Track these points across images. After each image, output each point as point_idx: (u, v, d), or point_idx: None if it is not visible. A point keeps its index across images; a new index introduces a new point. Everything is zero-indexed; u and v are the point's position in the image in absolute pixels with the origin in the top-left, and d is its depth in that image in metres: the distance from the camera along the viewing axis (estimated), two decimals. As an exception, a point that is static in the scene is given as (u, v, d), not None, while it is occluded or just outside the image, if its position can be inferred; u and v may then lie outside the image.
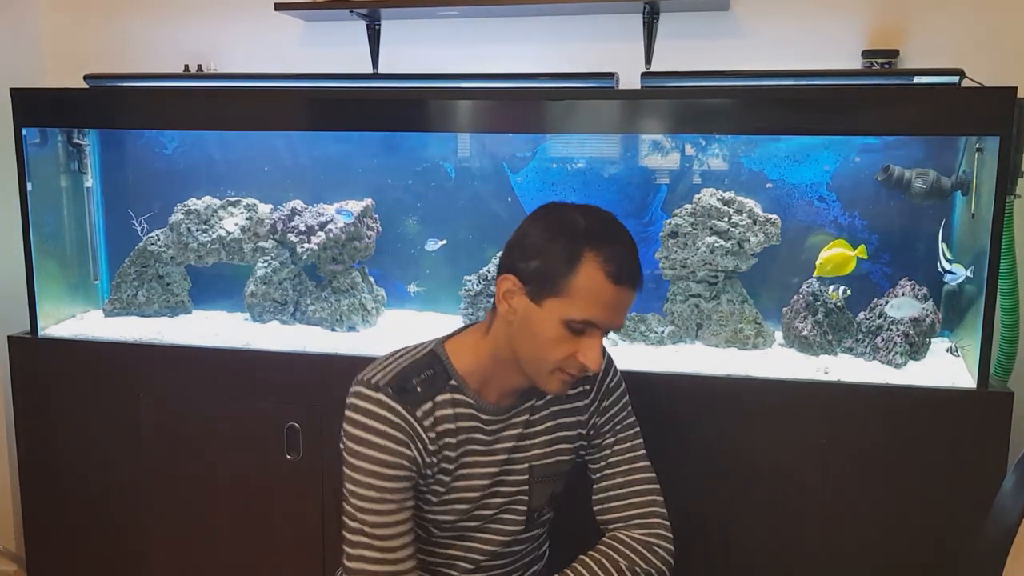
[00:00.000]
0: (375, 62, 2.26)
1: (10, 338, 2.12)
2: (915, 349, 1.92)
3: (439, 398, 1.33)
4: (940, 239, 1.90)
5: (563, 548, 1.49)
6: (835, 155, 2.05)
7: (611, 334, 2.06)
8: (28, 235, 2.11)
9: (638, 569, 1.36)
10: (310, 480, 1.97)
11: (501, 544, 1.44)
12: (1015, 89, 1.66)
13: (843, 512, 1.78)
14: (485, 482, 1.38)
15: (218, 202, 2.29)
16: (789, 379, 1.82)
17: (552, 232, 1.27)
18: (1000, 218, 1.69)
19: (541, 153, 2.19)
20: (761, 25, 2.11)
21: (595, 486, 1.46)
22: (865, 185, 2.03)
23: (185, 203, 2.28)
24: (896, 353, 1.89)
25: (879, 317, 1.97)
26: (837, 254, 1.93)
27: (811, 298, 1.99)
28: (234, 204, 2.30)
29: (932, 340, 1.97)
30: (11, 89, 2.06)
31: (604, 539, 1.41)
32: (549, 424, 1.43)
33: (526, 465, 1.41)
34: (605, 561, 1.36)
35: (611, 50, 2.15)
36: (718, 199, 2.04)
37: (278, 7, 2.16)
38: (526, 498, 1.42)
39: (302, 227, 2.19)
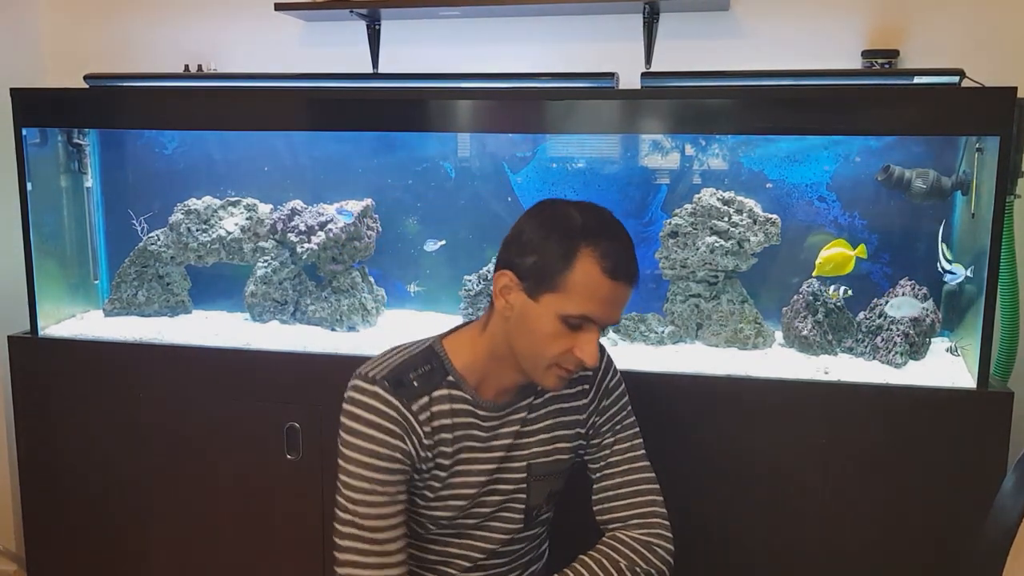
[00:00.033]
0: (375, 62, 2.26)
1: (10, 338, 2.12)
2: (915, 349, 1.92)
3: (436, 393, 1.34)
4: (940, 239, 1.90)
5: (563, 548, 1.49)
6: (835, 155, 2.05)
7: (611, 334, 2.08)
8: (28, 235, 2.11)
9: (638, 569, 1.36)
10: (310, 480, 1.97)
11: (499, 543, 1.44)
12: (1015, 89, 1.66)
13: (843, 512, 1.78)
14: (482, 479, 1.38)
15: (218, 202, 2.29)
16: (789, 379, 1.82)
17: (549, 228, 1.27)
18: (1000, 218, 1.69)
19: (541, 153, 2.19)
20: (761, 25, 2.11)
21: (595, 486, 1.46)
22: (865, 185, 2.03)
23: (185, 203, 2.28)
24: (896, 353, 1.89)
25: (879, 317, 1.97)
26: (837, 254, 1.93)
27: (811, 298, 1.99)
28: (234, 204, 2.30)
29: (932, 340, 1.97)
30: (11, 89, 2.06)
31: (604, 539, 1.41)
32: (547, 423, 1.43)
33: (524, 463, 1.41)
34: (605, 561, 1.36)
35: (611, 50, 2.15)
36: (718, 199, 2.04)
37: (278, 7, 2.16)
38: (524, 496, 1.42)
39: (302, 227, 2.19)
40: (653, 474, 1.46)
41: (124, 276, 2.29)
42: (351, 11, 2.14)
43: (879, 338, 1.94)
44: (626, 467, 1.44)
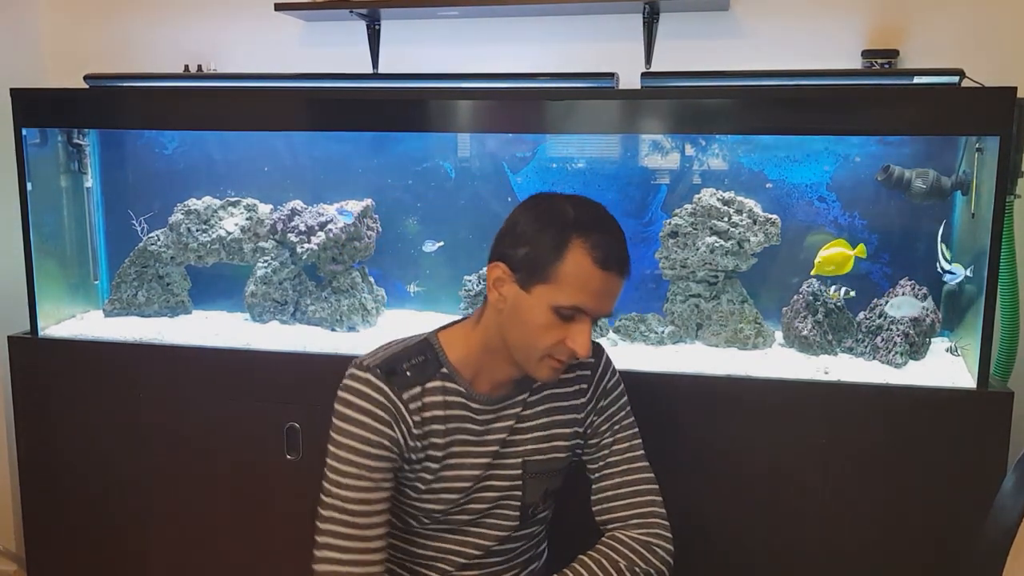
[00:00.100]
0: (375, 62, 2.26)
1: (10, 338, 2.12)
2: (915, 349, 1.92)
3: (429, 385, 1.35)
4: (940, 239, 1.90)
5: (563, 548, 1.49)
6: (835, 155, 2.05)
7: (611, 334, 2.08)
8: (28, 235, 2.11)
9: (637, 569, 1.36)
10: (310, 480, 1.95)
11: (496, 540, 1.44)
12: (1015, 89, 1.66)
13: (843, 512, 1.78)
14: (476, 472, 1.39)
15: (218, 202, 2.29)
16: (789, 379, 1.82)
17: (541, 220, 1.29)
18: (1000, 218, 1.69)
19: (541, 153, 2.19)
20: (761, 25, 2.11)
21: (594, 486, 1.46)
22: (865, 185, 2.03)
23: (185, 203, 2.28)
24: (896, 353, 1.89)
25: (879, 317, 1.97)
26: (836, 253, 1.93)
27: (811, 298, 1.99)
28: (234, 204, 2.30)
29: (932, 340, 1.97)
30: (11, 89, 2.06)
31: (603, 539, 1.41)
32: (544, 420, 1.43)
33: (519, 459, 1.42)
34: (604, 561, 1.37)
35: (611, 50, 2.15)
36: (718, 199, 2.04)
37: (278, 7, 2.16)
38: (520, 493, 1.43)
39: (302, 227, 2.19)
40: (652, 474, 1.46)
41: (124, 276, 2.29)
42: (351, 11, 2.14)
43: (879, 338, 1.94)
44: (625, 467, 1.44)
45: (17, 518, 2.47)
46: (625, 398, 1.49)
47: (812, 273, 1.97)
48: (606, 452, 1.45)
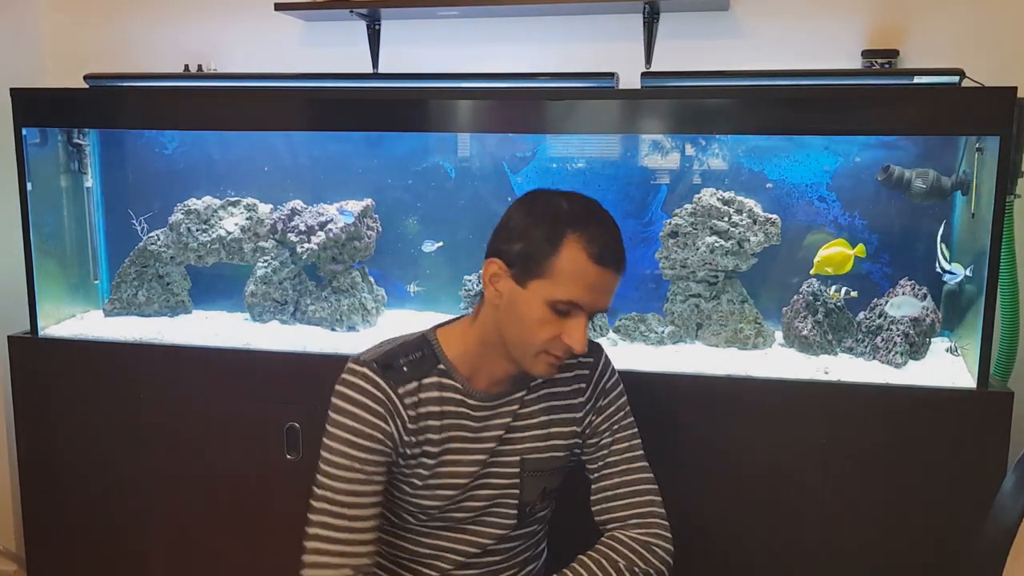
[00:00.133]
0: (375, 62, 2.26)
1: (10, 338, 2.12)
2: (915, 349, 1.92)
3: (426, 380, 1.35)
4: (939, 240, 1.90)
5: (562, 548, 1.49)
6: (835, 155, 2.05)
7: (611, 334, 2.08)
8: (28, 235, 2.11)
9: (637, 569, 1.36)
10: (310, 480, 1.96)
11: (493, 538, 1.44)
12: (1015, 89, 1.66)
13: (843, 512, 1.78)
14: (472, 469, 1.39)
15: (218, 202, 2.29)
16: (789, 379, 1.82)
17: (536, 215, 1.29)
18: (1000, 218, 1.69)
19: (541, 153, 2.19)
20: (761, 25, 2.11)
21: (593, 486, 1.46)
22: (865, 185, 2.03)
23: (185, 203, 2.28)
24: (896, 353, 1.88)
25: (879, 317, 1.97)
26: (836, 253, 1.93)
27: (811, 298, 1.99)
28: (234, 204, 2.30)
29: (932, 340, 1.97)
30: (11, 89, 2.06)
31: (603, 539, 1.41)
32: (542, 418, 1.43)
33: (517, 457, 1.42)
34: (604, 561, 1.36)
35: (611, 50, 2.15)
36: (718, 199, 2.04)
37: (278, 7, 2.16)
38: (517, 492, 1.43)
39: (302, 227, 2.19)
40: (651, 474, 1.46)
41: (124, 276, 2.29)
42: (351, 11, 2.14)
43: (879, 338, 1.94)
44: (624, 467, 1.44)
45: (17, 518, 2.47)
46: (624, 398, 1.49)
47: (811, 272, 1.97)
48: (605, 452, 1.45)
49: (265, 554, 2.05)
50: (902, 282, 1.98)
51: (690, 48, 2.12)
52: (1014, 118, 1.66)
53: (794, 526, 1.81)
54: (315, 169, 2.31)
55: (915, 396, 1.75)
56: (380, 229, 2.24)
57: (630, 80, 1.93)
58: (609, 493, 1.43)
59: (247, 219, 2.28)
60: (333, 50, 2.32)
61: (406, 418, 1.33)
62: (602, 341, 2.02)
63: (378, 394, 1.32)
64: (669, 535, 1.41)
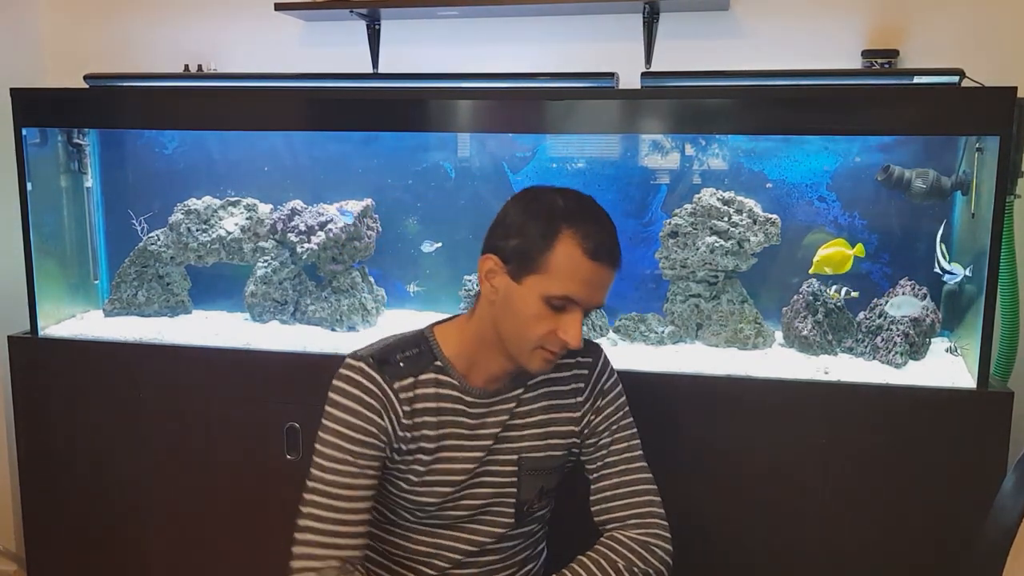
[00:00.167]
0: (375, 62, 2.26)
1: (10, 338, 2.12)
2: (915, 349, 1.92)
3: (422, 376, 1.36)
4: (939, 240, 1.90)
5: (561, 548, 1.49)
6: (835, 155, 2.05)
7: (611, 334, 2.08)
8: (28, 235, 2.11)
9: (636, 569, 1.36)
10: (310, 480, 1.97)
11: (492, 538, 1.44)
12: (1015, 89, 1.66)
13: (843, 512, 1.78)
14: (469, 466, 1.39)
15: (218, 202, 2.29)
16: (789, 379, 1.82)
17: (532, 212, 1.31)
18: (1000, 218, 1.69)
19: (541, 153, 2.19)
20: (761, 25, 2.11)
21: (592, 487, 1.46)
22: (865, 185, 2.03)
23: (185, 203, 2.28)
24: (896, 353, 1.88)
25: (879, 317, 1.97)
26: (835, 252, 1.93)
27: (811, 298, 1.99)
28: (234, 204, 2.30)
29: (932, 340, 1.97)
30: (11, 89, 2.06)
31: (602, 539, 1.41)
32: (540, 417, 1.43)
33: (515, 456, 1.42)
34: (603, 561, 1.37)
35: (611, 50, 2.15)
36: (718, 199, 2.04)
37: (278, 7, 2.16)
38: (515, 490, 1.43)
39: (302, 227, 2.19)
40: (651, 474, 1.46)
41: (124, 276, 2.29)
42: (351, 11, 2.14)
43: (879, 338, 1.94)
44: (623, 467, 1.44)
45: (17, 518, 2.47)
46: (623, 398, 1.49)
47: (810, 272, 1.97)
48: (604, 452, 1.45)
49: (265, 554, 2.04)
50: (902, 282, 1.98)
51: (690, 48, 2.12)
52: (1014, 118, 1.66)
53: (794, 526, 1.81)
54: (315, 169, 2.31)
55: (915, 396, 1.75)
56: (380, 229, 2.24)
57: (630, 80, 1.93)
58: (608, 493, 1.43)
59: (247, 219, 2.28)
60: (333, 50, 2.32)
61: (400, 413, 1.34)
62: (602, 341, 2.02)
63: (373, 388, 1.33)
64: (668, 535, 1.41)
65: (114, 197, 2.37)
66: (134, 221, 2.33)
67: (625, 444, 1.46)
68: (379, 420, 1.33)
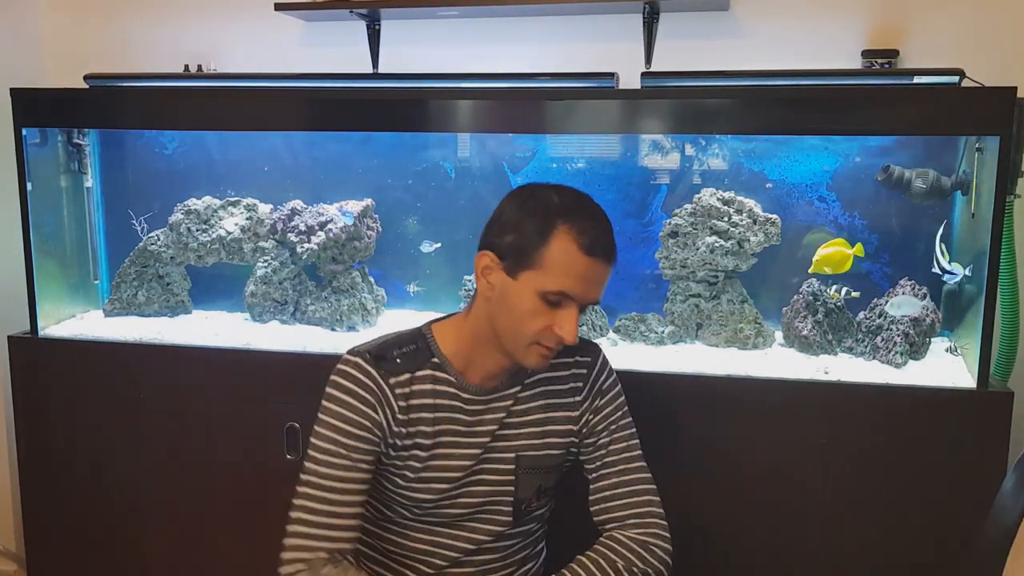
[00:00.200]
0: (375, 62, 2.26)
1: (10, 338, 2.12)
2: (915, 349, 1.92)
3: (419, 373, 1.37)
4: (939, 240, 1.90)
5: (561, 548, 1.49)
6: (835, 155, 2.05)
7: (611, 334, 2.08)
8: (28, 235, 2.11)
9: (635, 569, 1.36)
10: (310, 480, 1.97)
11: (490, 536, 1.44)
12: (1015, 89, 1.65)
13: (843, 512, 1.78)
14: (466, 463, 1.39)
15: (218, 202, 2.29)
16: (789, 379, 1.82)
17: (528, 208, 1.31)
18: (1000, 218, 1.69)
19: (541, 153, 2.19)
20: (761, 25, 2.11)
21: (591, 486, 1.46)
22: (865, 185, 2.03)
23: (185, 203, 2.28)
24: (896, 353, 1.88)
25: (879, 317, 1.97)
26: (834, 252, 1.93)
27: (811, 298, 1.99)
28: (234, 204, 2.30)
29: (932, 340, 1.97)
30: (11, 89, 2.06)
31: (601, 539, 1.41)
32: (538, 416, 1.43)
33: (512, 454, 1.42)
34: (602, 561, 1.37)
35: (611, 50, 2.15)
36: (718, 199, 2.04)
37: (278, 7, 2.16)
38: (512, 489, 1.43)
39: (302, 227, 2.19)
40: (650, 474, 1.46)
41: (124, 276, 2.29)
42: (351, 11, 2.14)
43: (879, 338, 1.94)
44: (622, 467, 1.44)
45: (17, 518, 2.47)
46: (622, 398, 1.49)
47: (810, 272, 1.97)
48: (603, 452, 1.45)
49: (265, 554, 2.04)
50: (902, 282, 1.98)
51: (690, 48, 2.12)
52: (1014, 118, 1.66)
53: (794, 526, 1.81)
54: (315, 169, 2.31)
55: (915, 396, 1.75)
56: (380, 229, 2.24)
57: (630, 80, 1.93)
58: (607, 493, 1.43)
59: (247, 219, 2.28)
60: (333, 50, 2.32)
61: (396, 408, 1.35)
62: (602, 341, 2.02)
63: (369, 383, 1.34)
64: (668, 535, 1.41)
65: (114, 197, 2.37)
66: (134, 221, 2.33)
67: (624, 444, 1.46)
68: (373, 414, 1.34)
